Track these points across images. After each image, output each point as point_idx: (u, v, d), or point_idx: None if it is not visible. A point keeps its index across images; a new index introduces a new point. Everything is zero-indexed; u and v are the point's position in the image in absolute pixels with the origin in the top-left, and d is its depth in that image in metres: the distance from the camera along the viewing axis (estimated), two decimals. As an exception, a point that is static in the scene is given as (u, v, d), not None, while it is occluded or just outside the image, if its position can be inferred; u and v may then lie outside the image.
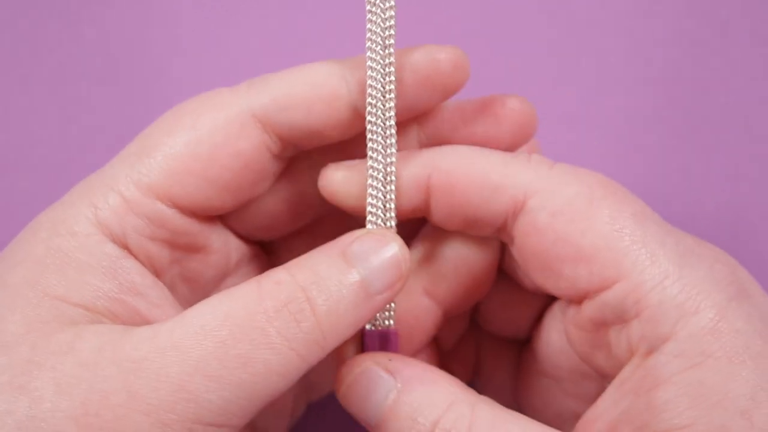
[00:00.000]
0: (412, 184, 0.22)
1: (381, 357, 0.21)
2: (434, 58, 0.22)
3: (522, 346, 0.26)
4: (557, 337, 0.24)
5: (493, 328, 0.26)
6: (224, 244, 0.24)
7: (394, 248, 0.21)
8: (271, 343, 0.18)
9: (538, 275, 0.22)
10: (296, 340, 0.19)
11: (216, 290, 0.24)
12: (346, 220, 0.24)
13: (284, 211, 0.24)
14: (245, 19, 0.36)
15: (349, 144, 0.23)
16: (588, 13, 0.35)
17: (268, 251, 0.26)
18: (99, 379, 0.18)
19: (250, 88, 0.22)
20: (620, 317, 0.20)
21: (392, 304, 0.23)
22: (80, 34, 0.36)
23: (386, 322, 0.23)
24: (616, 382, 0.20)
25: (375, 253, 0.20)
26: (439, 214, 0.22)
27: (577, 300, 0.21)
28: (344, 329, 0.20)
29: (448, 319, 0.25)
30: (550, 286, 0.21)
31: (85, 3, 0.36)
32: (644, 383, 0.19)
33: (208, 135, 0.21)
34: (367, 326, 0.22)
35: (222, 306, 0.19)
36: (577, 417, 0.21)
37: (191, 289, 0.23)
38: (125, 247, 0.21)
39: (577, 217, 0.20)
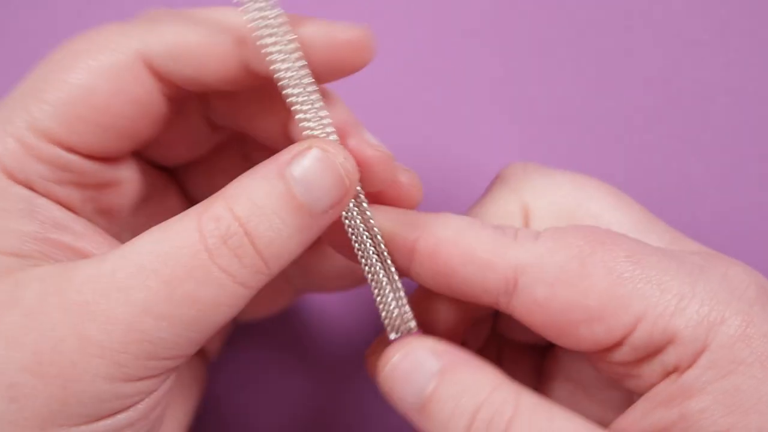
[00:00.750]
0: (398, 243, 0.22)
1: (427, 339, 0.21)
2: (334, 37, 0.21)
3: (544, 351, 0.26)
4: (577, 356, 0.24)
5: (514, 335, 0.26)
6: (133, 175, 0.23)
7: (337, 161, 0.20)
8: (215, 279, 0.19)
9: (555, 341, 0.21)
10: (240, 275, 0.19)
11: (135, 217, 0.24)
12: (251, 140, 0.24)
13: (186, 141, 0.24)
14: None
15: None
16: (588, 13, 0.35)
17: (181, 170, 0.26)
18: (48, 327, 0.18)
19: (143, 29, 0.22)
20: (652, 351, 0.20)
21: (409, 309, 0.22)
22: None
23: (409, 325, 0.22)
24: (647, 396, 0.20)
25: (315, 171, 0.20)
26: (422, 277, 0.22)
27: (605, 351, 0.21)
28: (289, 254, 0.20)
29: (472, 322, 0.25)
30: (573, 346, 0.21)
31: (85, 3, 0.36)
32: (677, 396, 0.19)
33: (102, 82, 0.21)
34: (392, 335, 0.22)
35: (162, 245, 0.19)
36: (602, 423, 0.22)
37: (110, 221, 0.23)
38: (32, 189, 0.21)
39: (574, 281, 0.20)
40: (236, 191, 0.20)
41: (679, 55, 0.35)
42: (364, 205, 0.22)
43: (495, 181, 0.26)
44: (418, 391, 0.20)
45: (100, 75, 0.21)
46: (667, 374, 0.20)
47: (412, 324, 0.22)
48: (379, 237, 0.22)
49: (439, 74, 0.35)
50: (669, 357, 0.20)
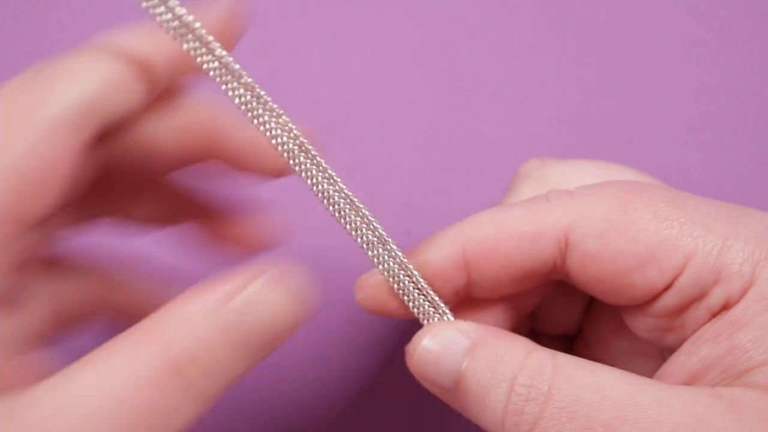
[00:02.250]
0: (449, 266, 0.22)
1: (455, 321, 0.21)
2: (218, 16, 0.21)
3: (573, 341, 0.26)
4: (612, 326, 0.24)
5: (545, 327, 0.26)
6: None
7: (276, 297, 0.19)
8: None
9: (608, 296, 0.22)
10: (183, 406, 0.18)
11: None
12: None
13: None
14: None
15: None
16: (588, 13, 0.35)
17: None
18: None
19: (51, 90, 0.20)
20: (700, 292, 0.20)
21: (443, 305, 0.22)
22: (80, 34, 0.36)
23: (445, 318, 0.22)
24: (691, 340, 0.21)
25: (254, 309, 0.19)
26: (484, 285, 0.22)
27: (653, 300, 0.21)
28: (224, 384, 0.18)
29: (519, 321, 0.25)
30: (626, 299, 0.21)
31: (85, 3, 0.36)
32: (723, 331, 0.20)
33: (21, 164, 0.18)
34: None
35: (103, 389, 0.17)
36: None
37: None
38: None
39: (622, 228, 0.21)
40: (175, 328, 0.18)
41: (679, 55, 0.35)
42: (400, 255, 0.22)
43: (516, 178, 0.26)
44: (452, 371, 0.20)
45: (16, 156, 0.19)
46: (711, 317, 0.20)
47: (449, 317, 0.22)
48: (422, 282, 0.22)
49: (439, 74, 0.35)
50: (714, 298, 0.20)
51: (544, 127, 0.35)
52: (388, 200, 0.34)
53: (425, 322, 0.22)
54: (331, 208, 0.22)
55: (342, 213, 0.22)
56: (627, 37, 0.35)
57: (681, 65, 0.35)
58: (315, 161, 0.22)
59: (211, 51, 0.21)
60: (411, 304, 0.22)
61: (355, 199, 0.22)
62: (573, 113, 0.35)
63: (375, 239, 0.22)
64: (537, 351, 0.20)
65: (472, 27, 0.36)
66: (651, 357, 0.24)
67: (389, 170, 0.35)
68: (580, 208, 0.21)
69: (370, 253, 0.22)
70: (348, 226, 0.22)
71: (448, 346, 0.21)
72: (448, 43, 0.35)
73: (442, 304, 0.22)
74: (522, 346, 0.20)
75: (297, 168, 0.22)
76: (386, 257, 0.22)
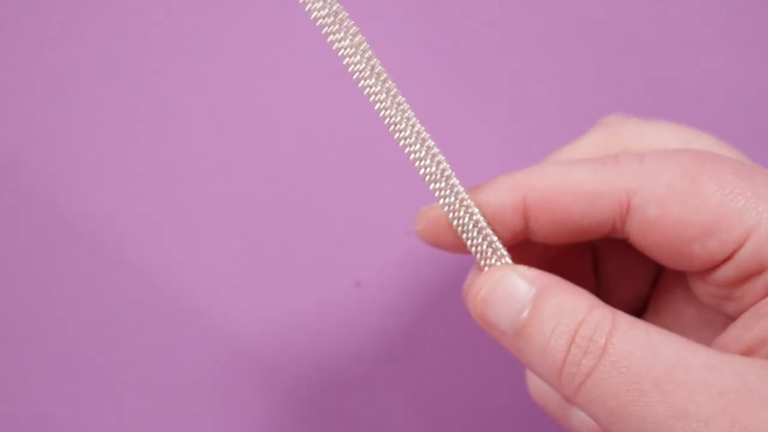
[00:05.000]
0: (508, 209, 0.22)
1: (519, 266, 0.22)
2: None
3: (638, 315, 0.27)
4: (680, 293, 0.24)
5: (611, 300, 0.27)
6: None
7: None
8: None
9: (667, 262, 0.22)
10: None
11: None
12: None
13: None
14: (244, 17, 0.36)
15: None
16: (588, 13, 0.35)
17: None
18: None
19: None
20: (759, 267, 0.20)
21: (503, 248, 0.23)
22: (80, 34, 0.36)
23: (503, 261, 0.23)
24: (748, 313, 0.21)
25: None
26: (541, 233, 0.23)
27: (712, 269, 0.21)
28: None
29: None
30: (684, 266, 0.22)
31: (85, 3, 0.36)
32: None
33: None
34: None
35: None
36: None
37: None
38: None
39: (686, 198, 0.21)
40: None
41: (679, 55, 0.35)
42: (463, 193, 0.22)
43: (594, 127, 0.26)
44: (514, 316, 0.21)
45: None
46: None
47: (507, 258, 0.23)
48: (482, 221, 0.22)
49: (439, 73, 0.35)
50: None
51: (544, 127, 0.35)
52: (388, 200, 0.34)
53: (483, 262, 0.22)
54: (397, 135, 0.22)
55: (407, 142, 0.22)
56: (627, 36, 0.35)
57: (681, 65, 0.35)
58: (386, 87, 0.22)
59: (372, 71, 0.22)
60: (470, 242, 0.22)
61: (423, 130, 0.22)
62: (573, 113, 0.35)
63: (438, 173, 0.22)
64: (599, 306, 0.20)
65: (471, 27, 0.36)
66: (718, 327, 0.24)
67: (388, 170, 0.35)
68: (646, 173, 0.21)
69: (432, 186, 0.22)
70: (412, 156, 0.22)
71: (512, 292, 0.21)
72: (448, 43, 0.35)
73: (502, 247, 0.22)
74: (586, 301, 0.20)
75: (367, 90, 0.22)
76: (448, 192, 0.22)
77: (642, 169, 0.21)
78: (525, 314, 0.20)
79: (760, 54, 0.35)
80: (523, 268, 0.21)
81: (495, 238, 0.22)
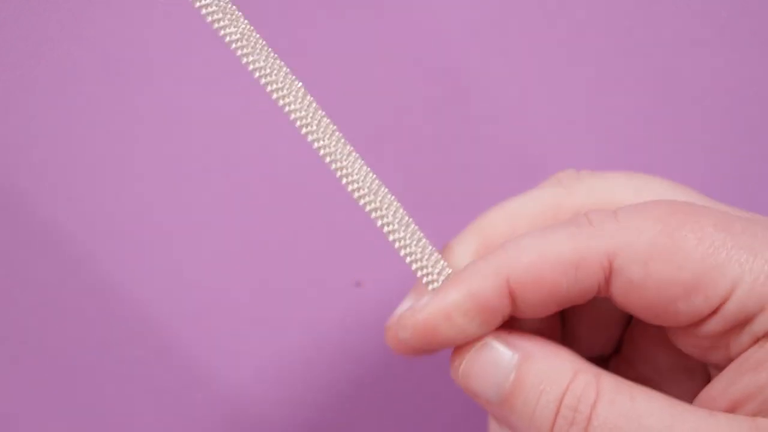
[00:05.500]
0: (494, 296, 0.21)
1: (500, 332, 0.21)
2: None
3: (608, 361, 0.26)
4: (655, 342, 0.24)
5: (580, 349, 0.26)
6: None
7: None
8: None
9: (652, 319, 0.22)
10: None
11: None
12: None
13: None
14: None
15: None
16: (588, 13, 0.35)
17: None
18: None
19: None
20: (743, 320, 0.20)
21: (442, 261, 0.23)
22: (80, 34, 0.36)
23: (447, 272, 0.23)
24: (734, 365, 0.20)
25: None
26: (528, 310, 0.22)
27: (697, 324, 0.21)
28: None
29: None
30: (669, 323, 0.21)
31: (85, 3, 0.36)
32: (765, 361, 0.20)
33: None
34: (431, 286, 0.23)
35: None
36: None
37: None
38: None
39: (666, 256, 0.20)
40: None
41: (679, 55, 0.35)
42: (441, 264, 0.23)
43: (546, 181, 0.26)
44: (498, 385, 0.20)
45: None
46: (756, 341, 0.20)
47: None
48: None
49: (439, 73, 0.35)
50: (759, 325, 0.20)
51: (544, 127, 0.35)
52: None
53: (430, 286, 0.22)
54: (351, 186, 0.22)
55: (361, 193, 0.22)
56: (627, 37, 0.35)
57: (681, 65, 0.35)
58: (334, 136, 0.22)
59: (234, 21, 0.22)
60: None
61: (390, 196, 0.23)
62: (572, 113, 0.35)
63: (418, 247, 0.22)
64: (583, 371, 0.20)
65: (472, 26, 0.36)
66: (697, 373, 0.23)
67: (388, 170, 0.35)
68: (623, 232, 0.21)
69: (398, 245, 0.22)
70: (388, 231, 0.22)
71: (495, 361, 0.21)
72: (448, 43, 0.35)
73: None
74: (569, 365, 0.20)
75: (317, 144, 0.22)
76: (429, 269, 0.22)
77: (618, 227, 0.21)
78: (509, 384, 0.20)
79: (760, 54, 0.35)
80: (503, 334, 0.21)
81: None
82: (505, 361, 0.21)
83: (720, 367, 0.21)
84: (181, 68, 0.36)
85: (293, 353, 0.35)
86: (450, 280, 0.22)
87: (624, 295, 0.21)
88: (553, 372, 0.20)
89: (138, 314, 0.34)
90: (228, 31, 0.21)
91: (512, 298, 0.21)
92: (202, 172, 0.35)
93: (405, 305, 0.23)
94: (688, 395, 0.23)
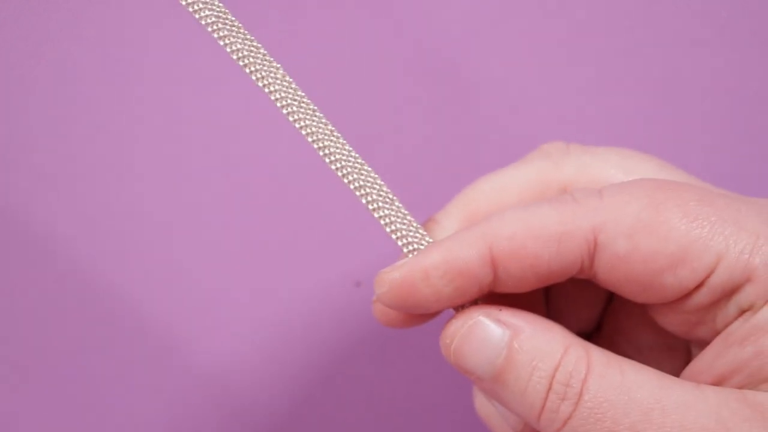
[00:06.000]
0: (476, 264, 0.21)
1: (490, 309, 0.21)
2: None
3: (589, 338, 0.26)
4: (636, 321, 0.24)
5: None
6: None
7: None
8: None
9: (637, 296, 0.22)
10: None
11: None
12: None
13: None
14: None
15: None
16: (588, 13, 0.35)
17: None
18: None
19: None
20: (729, 291, 0.20)
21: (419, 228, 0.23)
22: (80, 34, 0.36)
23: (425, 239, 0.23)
24: (719, 339, 0.21)
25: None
26: (509, 282, 0.22)
27: (683, 298, 0.21)
28: None
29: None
30: (655, 298, 0.21)
31: (85, 3, 0.36)
32: (752, 333, 0.20)
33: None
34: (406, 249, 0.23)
35: None
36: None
37: None
38: None
39: (652, 229, 0.20)
40: None
41: (679, 55, 0.35)
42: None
43: (535, 151, 0.26)
44: (490, 362, 0.20)
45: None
46: (741, 313, 0.20)
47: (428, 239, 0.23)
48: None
49: (438, 73, 0.35)
50: (745, 296, 0.20)
51: (544, 127, 0.35)
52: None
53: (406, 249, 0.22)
54: (334, 166, 0.22)
55: (345, 171, 0.22)
56: (627, 37, 0.35)
57: (681, 65, 0.35)
58: (316, 114, 0.23)
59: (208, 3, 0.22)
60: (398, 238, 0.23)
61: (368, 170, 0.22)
62: (572, 113, 0.35)
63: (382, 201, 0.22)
64: (574, 346, 0.20)
65: (472, 27, 0.36)
66: (677, 351, 0.24)
67: (389, 169, 0.35)
68: (609, 208, 0.21)
69: (377, 215, 0.22)
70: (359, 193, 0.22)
71: (486, 337, 0.21)
72: (449, 44, 0.35)
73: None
74: (560, 340, 0.20)
75: (298, 124, 0.23)
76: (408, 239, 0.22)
77: (603, 204, 0.21)
78: (500, 360, 0.20)
79: (760, 54, 0.35)
80: (494, 311, 0.21)
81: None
82: (496, 338, 0.21)
83: (705, 343, 0.21)
84: (181, 68, 0.36)
85: (293, 353, 0.35)
86: (433, 244, 0.22)
87: (609, 271, 0.21)
88: (544, 347, 0.20)
89: (138, 314, 0.34)
90: (203, 14, 0.22)
91: (493, 267, 0.21)
92: (202, 172, 0.35)
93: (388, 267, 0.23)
94: (670, 374, 0.23)
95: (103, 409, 0.35)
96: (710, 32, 0.35)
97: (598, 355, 0.20)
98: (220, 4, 0.22)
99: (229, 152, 0.35)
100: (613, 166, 0.24)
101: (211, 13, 0.22)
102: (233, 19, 0.22)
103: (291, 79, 0.22)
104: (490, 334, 0.21)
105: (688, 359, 0.23)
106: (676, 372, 0.22)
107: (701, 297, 0.21)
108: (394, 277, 0.22)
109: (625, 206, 0.21)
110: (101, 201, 0.34)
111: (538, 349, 0.20)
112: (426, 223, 0.24)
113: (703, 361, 0.21)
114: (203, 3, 0.22)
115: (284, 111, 0.22)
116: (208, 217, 0.35)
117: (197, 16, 0.22)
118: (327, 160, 0.23)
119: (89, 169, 0.35)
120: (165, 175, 0.35)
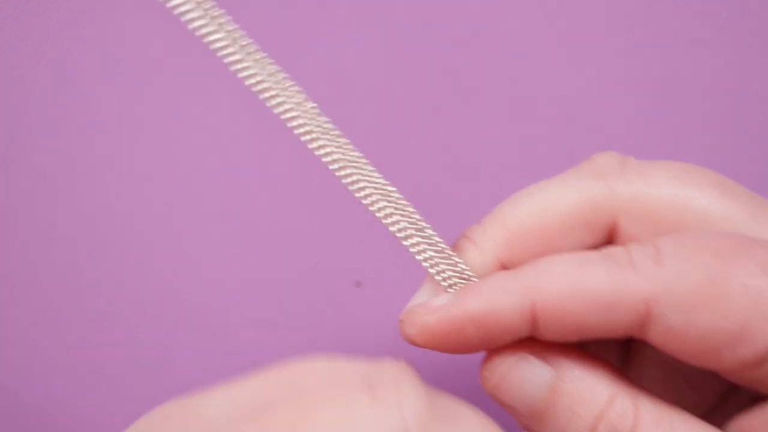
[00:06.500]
0: (516, 317, 0.20)
1: (535, 345, 0.20)
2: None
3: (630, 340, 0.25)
4: (649, 358, 0.23)
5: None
6: None
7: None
8: None
9: (693, 362, 0.20)
10: None
11: None
12: None
13: None
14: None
15: None
16: (588, 14, 0.35)
17: None
18: None
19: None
20: None
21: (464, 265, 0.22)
22: (80, 34, 0.36)
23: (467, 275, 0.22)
24: None
25: None
26: (547, 335, 0.21)
27: (741, 369, 0.20)
28: None
29: None
30: (710, 367, 0.20)
31: (85, 3, 0.36)
32: None
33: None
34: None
35: None
36: (700, 408, 0.21)
37: None
38: None
39: (710, 304, 0.19)
40: None
41: (679, 55, 0.35)
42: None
43: (587, 166, 0.23)
44: (531, 402, 0.20)
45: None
46: None
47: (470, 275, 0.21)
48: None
49: (439, 73, 0.35)
50: None
51: (544, 127, 0.35)
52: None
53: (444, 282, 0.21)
54: (360, 194, 0.21)
55: (372, 200, 0.21)
56: (627, 37, 0.35)
57: (681, 65, 0.35)
58: (341, 141, 0.21)
59: (220, 26, 0.21)
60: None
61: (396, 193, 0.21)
62: (572, 113, 0.35)
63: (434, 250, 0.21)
64: (620, 396, 0.19)
65: (471, 28, 0.36)
66: (682, 392, 0.23)
67: (389, 169, 0.35)
68: (666, 277, 0.19)
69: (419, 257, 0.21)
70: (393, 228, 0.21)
71: (528, 377, 0.20)
72: (449, 44, 0.35)
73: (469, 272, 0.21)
74: (605, 388, 0.19)
75: (320, 151, 0.21)
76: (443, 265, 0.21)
77: (661, 273, 0.20)
78: (541, 402, 0.20)
79: (760, 54, 0.35)
80: (538, 347, 0.20)
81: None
82: (538, 378, 0.20)
83: (764, 392, 0.20)
84: (181, 68, 0.36)
85: (293, 353, 0.35)
86: (471, 289, 0.21)
87: (661, 339, 0.20)
88: (588, 394, 0.19)
89: (137, 314, 0.34)
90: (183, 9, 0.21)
91: (533, 323, 0.20)
92: (202, 171, 0.35)
93: (420, 297, 0.22)
94: (713, 384, 0.22)
95: (102, 409, 0.35)
96: (710, 32, 0.35)
97: (648, 409, 0.19)
98: (234, 27, 0.21)
99: (229, 152, 0.35)
100: (670, 197, 0.22)
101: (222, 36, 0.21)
102: (249, 43, 0.21)
103: (314, 104, 0.21)
104: (533, 373, 0.20)
105: (696, 389, 0.23)
106: (719, 392, 0.21)
107: (758, 369, 0.19)
108: (426, 321, 0.21)
109: (682, 277, 0.19)
110: (101, 201, 0.34)
111: (581, 396, 0.19)
112: (460, 240, 0.23)
113: (759, 417, 0.20)
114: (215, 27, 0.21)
115: (312, 145, 0.21)
116: (208, 217, 0.35)
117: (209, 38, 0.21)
118: (351, 188, 0.22)
119: (89, 169, 0.35)
120: (165, 175, 0.35)
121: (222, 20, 0.20)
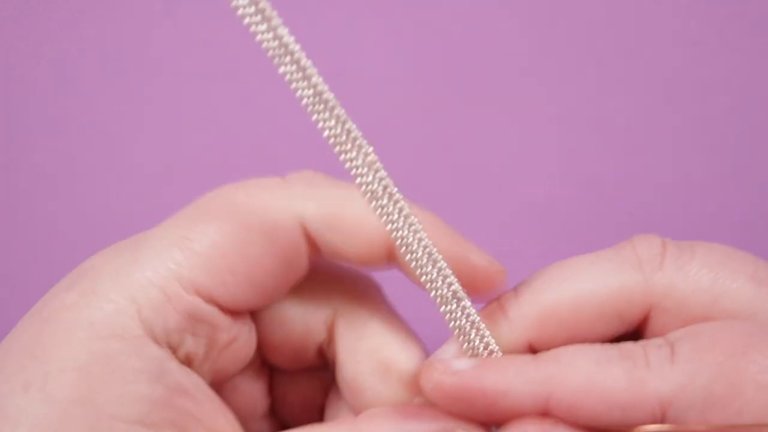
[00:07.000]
0: (528, 406, 0.21)
1: (544, 423, 0.21)
2: (471, 261, 0.22)
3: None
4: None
5: None
6: (249, 334, 0.23)
7: None
8: None
9: None
10: None
11: (229, 383, 0.24)
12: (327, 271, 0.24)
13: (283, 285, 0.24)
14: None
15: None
16: (588, 14, 0.35)
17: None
18: None
19: (303, 193, 0.22)
20: None
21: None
22: (80, 34, 0.36)
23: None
24: None
25: None
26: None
27: None
28: None
29: None
30: None
31: (85, 3, 0.36)
32: None
33: (258, 238, 0.21)
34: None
35: None
36: None
37: (214, 385, 0.23)
38: (167, 346, 0.20)
39: (724, 404, 0.19)
40: None
41: (679, 55, 0.35)
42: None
43: (627, 251, 0.23)
44: None
45: (257, 231, 0.21)
46: None
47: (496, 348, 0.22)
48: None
49: (440, 74, 0.35)
50: None
51: (544, 127, 0.35)
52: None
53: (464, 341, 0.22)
54: (409, 256, 0.21)
55: (420, 263, 0.21)
56: (627, 37, 0.35)
57: (681, 65, 0.35)
58: (398, 205, 0.21)
59: (307, 78, 0.20)
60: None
61: (434, 251, 0.21)
62: (572, 113, 0.35)
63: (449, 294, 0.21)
64: None
65: (472, 27, 0.36)
66: None
67: (390, 169, 0.35)
68: (680, 378, 0.20)
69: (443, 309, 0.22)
70: (424, 278, 0.21)
71: None
72: (449, 44, 0.35)
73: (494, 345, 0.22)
74: None
75: (379, 211, 0.21)
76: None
77: (674, 372, 0.20)
78: None
79: (760, 54, 0.35)
80: (548, 425, 0.21)
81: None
82: None
83: None
84: (180, 68, 0.36)
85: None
86: (493, 365, 0.21)
87: None
88: None
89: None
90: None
91: (545, 413, 0.20)
92: (202, 171, 0.35)
93: (447, 352, 0.23)
94: None
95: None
96: (710, 32, 0.35)
97: None
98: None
99: (229, 151, 0.35)
100: (702, 292, 0.22)
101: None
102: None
103: (386, 173, 0.21)
104: None
105: None
106: None
107: None
108: (442, 381, 0.21)
109: (695, 378, 0.20)
110: (101, 201, 0.34)
111: None
112: (494, 309, 0.23)
113: None
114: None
115: (373, 203, 0.21)
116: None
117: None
118: (402, 250, 0.22)
119: (89, 169, 0.35)
120: (165, 175, 0.35)
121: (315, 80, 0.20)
